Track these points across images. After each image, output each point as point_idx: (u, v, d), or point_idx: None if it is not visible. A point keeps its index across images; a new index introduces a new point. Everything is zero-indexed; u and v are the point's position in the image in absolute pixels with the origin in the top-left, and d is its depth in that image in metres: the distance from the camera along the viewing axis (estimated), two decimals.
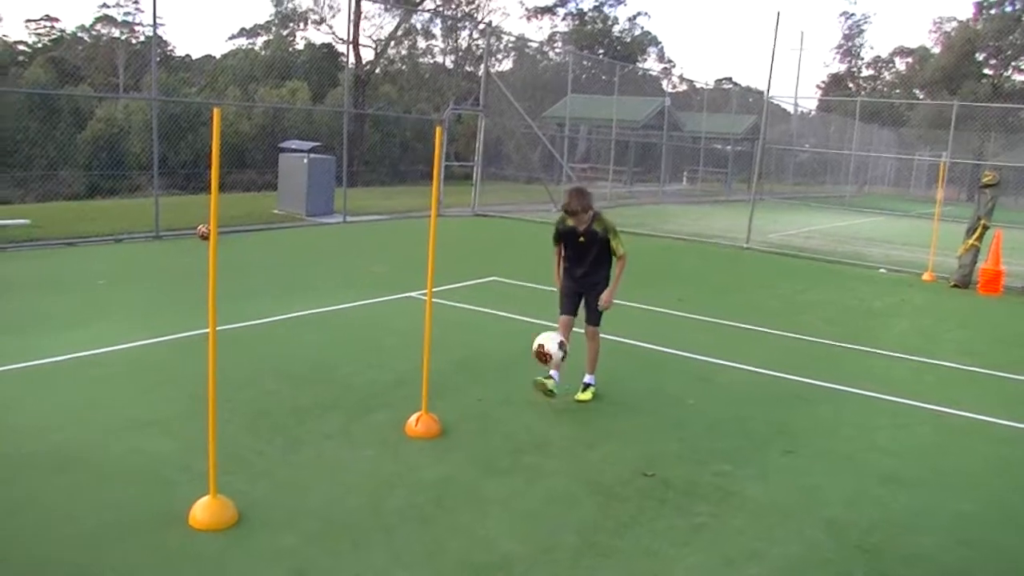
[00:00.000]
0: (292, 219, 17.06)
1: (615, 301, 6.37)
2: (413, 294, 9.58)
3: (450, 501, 4.58)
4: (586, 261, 6.31)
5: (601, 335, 6.43)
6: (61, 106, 27.68)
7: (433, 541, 4.12)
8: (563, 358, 6.16)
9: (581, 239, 6.24)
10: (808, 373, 7.36)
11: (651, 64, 59.67)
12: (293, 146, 18.25)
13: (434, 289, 5.60)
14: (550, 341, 6.18)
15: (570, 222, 6.24)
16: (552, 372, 6.19)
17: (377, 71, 39.94)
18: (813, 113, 48.46)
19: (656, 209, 24.30)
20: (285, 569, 3.78)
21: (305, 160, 17.25)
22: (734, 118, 38.39)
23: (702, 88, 42.44)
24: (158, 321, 7.88)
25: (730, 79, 63.38)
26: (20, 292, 9.33)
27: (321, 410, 5.78)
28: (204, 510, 4.14)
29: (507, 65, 37.51)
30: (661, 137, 32.57)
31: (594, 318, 6.41)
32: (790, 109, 45.60)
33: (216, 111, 3.98)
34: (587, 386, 6.40)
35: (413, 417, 5.50)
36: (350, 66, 27.36)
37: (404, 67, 41.44)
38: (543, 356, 6.15)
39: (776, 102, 41.37)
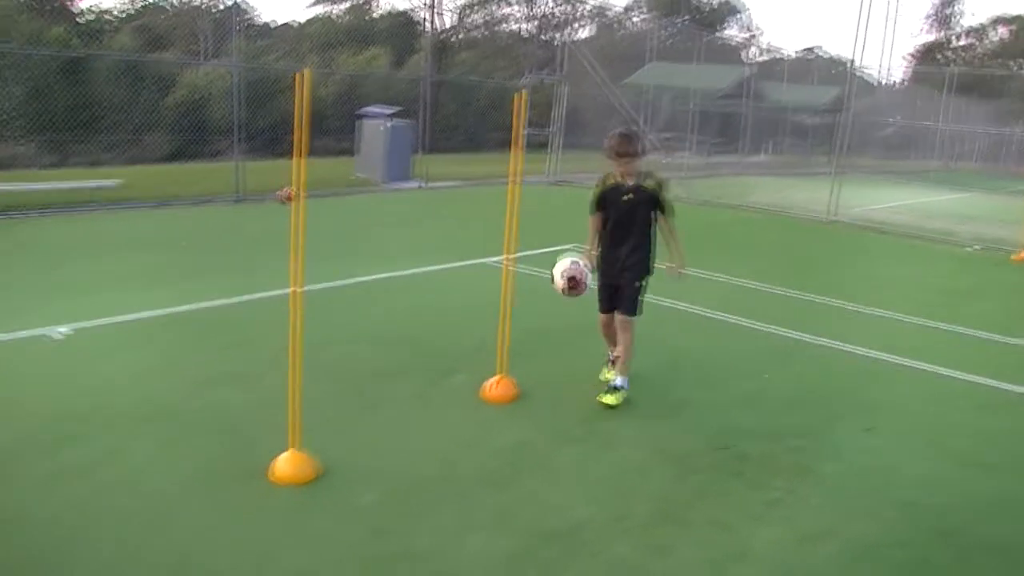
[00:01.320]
0: (370, 185, 17.26)
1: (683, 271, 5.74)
2: (490, 260, 9.63)
3: (523, 466, 4.62)
4: (629, 232, 5.49)
5: (677, 304, 6.29)
6: (147, 73, 28.35)
7: (505, 505, 4.17)
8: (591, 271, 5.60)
9: (626, 197, 5.42)
10: (890, 350, 7.18)
11: (734, 32, 58.34)
12: (373, 112, 18.42)
13: (512, 256, 5.61)
14: (567, 270, 5.54)
15: (611, 180, 5.49)
16: (619, 383, 5.55)
17: (456, 38, 39.94)
18: (901, 85, 46.90)
19: (736, 181, 23.88)
20: (364, 527, 3.87)
21: (384, 126, 17.40)
22: (818, 89, 37.37)
23: (785, 57, 41.42)
24: (239, 281, 8.09)
25: (815, 49, 61.63)
26: (113, 251, 9.68)
27: (400, 372, 5.87)
28: (285, 465, 4.26)
29: (586, 33, 37.15)
30: (742, 107, 31.91)
31: (630, 307, 5.58)
32: (876, 80, 44.20)
33: (306, 72, 4.04)
34: (615, 389, 5.53)
35: (490, 381, 5.55)
36: (429, 33, 27.43)
37: (482, 34, 41.35)
38: (575, 285, 5.52)
39: (862, 73, 40.14)
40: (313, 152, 4.39)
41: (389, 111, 18.27)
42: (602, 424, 5.24)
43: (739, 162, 30.02)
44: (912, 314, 8.64)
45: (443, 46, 37.44)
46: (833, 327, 7.89)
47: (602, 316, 5.79)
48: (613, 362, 5.80)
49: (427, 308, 7.79)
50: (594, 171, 22.43)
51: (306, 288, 4.49)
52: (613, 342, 5.76)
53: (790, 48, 64.85)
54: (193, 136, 24.59)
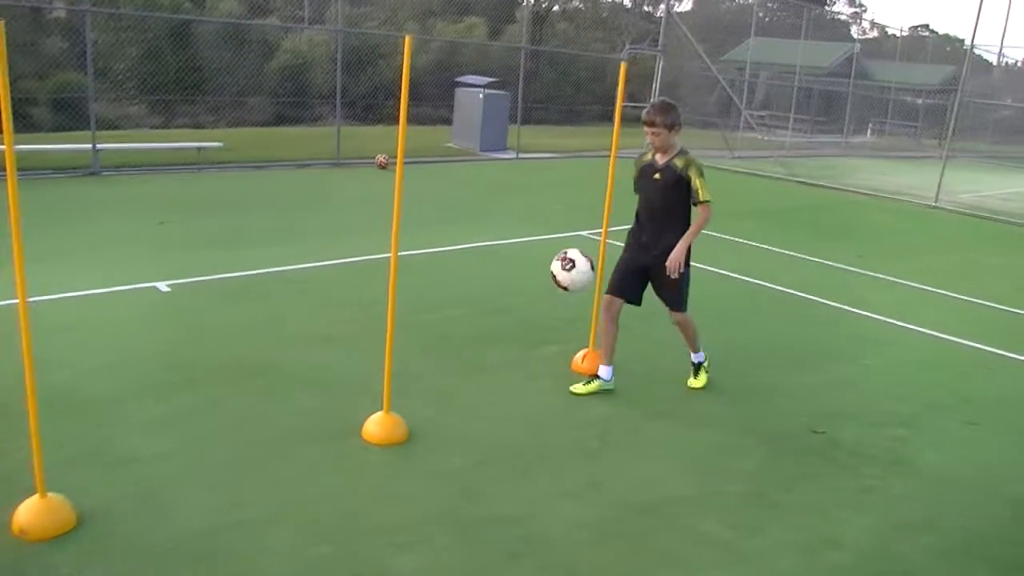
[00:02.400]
0: (466, 153, 17.35)
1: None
2: (584, 233, 9.60)
3: (612, 439, 4.63)
4: (659, 214, 5.04)
5: (771, 285, 6.12)
6: (251, 37, 28.99)
7: (596, 476, 4.18)
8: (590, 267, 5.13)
9: (657, 176, 4.99)
10: (996, 343, 6.91)
11: (840, 7, 56.40)
12: (470, 81, 18.47)
13: (609, 229, 5.58)
14: (565, 267, 5.10)
15: (647, 157, 5.08)
16: (602, 370, 5.20)
17: (555, 8, 39.64)
18: (1020, 65, 44.63)
19: (838, 161, 23.19)
20: (453, 488, 3.93)
21: (481, 95, 17.44)
22: (929, 68, 35.85)
23: (895, 35, 39.86)
24: (337, 243, 8.26)
25: (927, 26, 59.17)
26: (218, 210, 9.99)
27: (494, 339, 5.93)
28: (377, 425, 4.35)
29: (687, 5, 36.45)
30: (847, 86, 30.90)
31: (675, 300, 5.15)
32: (993, 60, 42.17)
33: (408, 39, 4.06)
34: (698, 366, 5.42)
35: (580, 353, 5.56)
36: (528, 2, 27.31)
37: (581, 5, 40.93)
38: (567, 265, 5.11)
39: (978, 51, 38.36)
40: (410, 120, 4.43)
41: (484, 81, 18.29)
42: (694, 402, 5.20)
43: (841, 142, 29.12)
44: (1021, 307, 8.29)
45: (541, 16, 37.21)
46: (938, 317, 7.63)
47: (606, 297, 5.22)
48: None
49: (521, 278, 7.82)
50: (691, 147, 22.09)
51: (408, 252, 4.56)
52: (610, 331, 5.22)
53: (896, 25, 62.27)
54: (294, 101, 25.08)
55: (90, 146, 12.80)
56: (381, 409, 4.40)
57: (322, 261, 7.71)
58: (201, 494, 3.73)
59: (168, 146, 14.68)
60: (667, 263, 4.92)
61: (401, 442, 4.33)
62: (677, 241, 4.95)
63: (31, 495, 3.39)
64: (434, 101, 26.34)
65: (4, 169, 3.42)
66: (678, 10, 29.88)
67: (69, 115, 18.37)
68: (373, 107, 24.46)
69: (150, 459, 4.00)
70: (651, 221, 5.08)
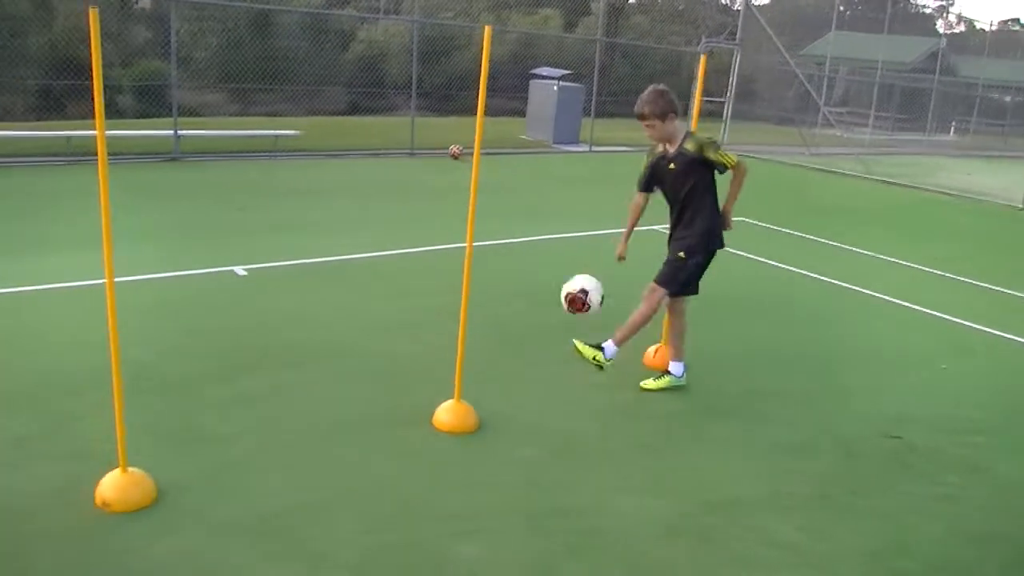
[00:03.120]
0: (539, 145, 17.36)
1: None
2: (656, 227, 9.50)
3: (679, 435, 4.59)
4: (681, 203, 4.88)
5: (851, 286, 5.98)
6: (328, 27, 29.42)
7: (661, 472, 4.16)
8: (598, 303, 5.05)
9: (672, 166, 4.81)
10: None
11: (926, 0, 54.76)
12: (544, 73, 18.46)
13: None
14: (592, 289, 5.09)
15: (658, 149, 4.92)
16: (606, 345, 4.92)
17: (631, 1, 39.33)
18: None
19: (920, 160, 22.56)
20: (519, 478, 3.95)
21: (555, 88, 17.42)
22: (1018, 64, 34.63)
23: (983, 29, 38.58)
24: (412, 233, 8.35)
25: (1017, 20, 57.07)
26: (294, 197, 10.18)
27: (563, 332, 5.91)
28: (447, 414, 4.39)
29: None
30: (931, 82, 30.02)
31: (662, 272, 4.96)
32: None
33: (487, 29, 4.08)
34: (664, 375, 5.12)
35: (651, 349, 5.53)
36: None
37: None
38: (576, 303, 5.10)
39: None
40: (485, 111, 4.46)
41: (558, 73, 18.25)
42: (762, 402, 5.13)
43: (923, 141, 28.32)
44: None
45: (617, 8, 36.96)
46: (1015, 321, 7.38)
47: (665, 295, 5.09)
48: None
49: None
50: (766, 143, 21.75)
51: (479, 243, 4.60)
52: (674, 327, 5.19)
53: (985, 19, 60.23)
54: (369, 90, 25.38)
55: (172, 132, 13.15)
56: (450, 397, 4.44)
57: (394, 249, 7.81)
58: (271, 474, 3.82)
59: (246, 133, 14.99)
60: (725, 226, 4.96)
61: (471, 431, 4.36)
62: (697, 229, 4.87)
63: (113, 469, 3.51)
64: (508, 93, 26.39)
65: (94, 153, 3.54)
66: (757, 3, 29.37)
67: (151, 102, 18.89)
68: (447, 98, 24.61)
69: (224, 438, 4.12)
70: (681, 211, 4.95)
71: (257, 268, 6.95)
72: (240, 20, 23.42)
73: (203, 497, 3.59)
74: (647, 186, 5.14)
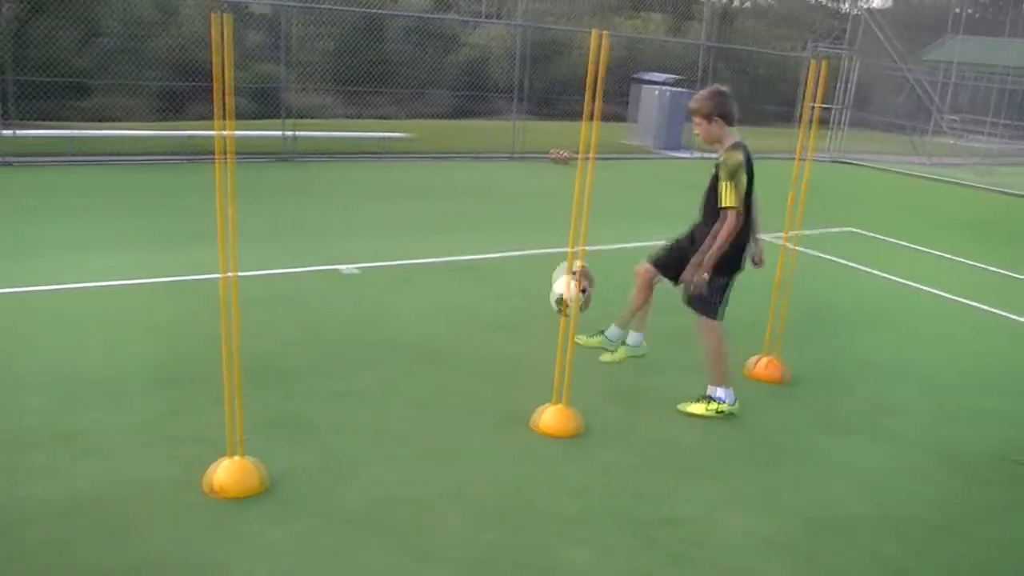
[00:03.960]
0: (642, 151, 17.24)
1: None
2: (765, 236, 9.32)
3: (789, 450, 4.47)
4: (703, 209, 4.72)
5: (975, 304, 5.68)
6: (434, 31, 29.88)
7: (769, 487, 4.05)
8: (584, 301, 4.64)
9: (713, 171, 4.62)
10: None
11: None
12: (648, 78, 18.33)
13: (792, 233, 5.40)
14: (564, 285, 4.61)
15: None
16: (717, 394, 4.75)
17: (736, 4, 38.72)
18: None
19: None
20: (624, 485, 3.91)
21: (659, 93, 17.27)
22: None
23: None
24: (515, 235, 8.39)
25: None
26: (401, 198, 10.36)
27: (668, 339, 5.85)
28: (550, 417, 4.38)
29: (880, 1, 34.73)
30: None
31: (695, 301, 4.71)
32: None
33: (597, 33, 4.05)
34: (708, 400, 4.78)
35: (756, 359, 5.41)
36: None
37: (765, 1, 39.80)
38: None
39: None
40: (588, 115, 4.43)
41: (663, 78, 18.09)
42: (878, 419, 4.95)
43: None
44: None
45: (723, 12, 36.42)
46: None
47: (642, 262, 5.06)
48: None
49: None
50: (878, 151, 21.08)
51: (577, 248, 4.57)
52: (636, 302, 5.04)
53: None
54: (473, 94, 25.65)
55: (284, 133, 13.55)
56: (554, 400, 4.43)
57: (498, 252, 7.86)
58: (380, 468, 3.88)
59: (355, 135, 15.33)
60: (683, 277, 4.61)
61: (575, 435, 4.35)
62: (736, 242, 4.55)
63: (227, 456, 3.62)
64: (611, 97, 26.29)
65: (211, 152, 3.67)
66: (871, 6, 28.50)
67: (265, 104, 19.46)
68: (549, 102, 24.66)
69: (334, 431, 4.21)
70: (699, 216, 4.77)
71: (366, 267, 7.09)
72: (350, 24, 23.95)
73: (313, 487, 3.67)
74: None
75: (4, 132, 12.53)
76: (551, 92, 24.69)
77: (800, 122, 5.31)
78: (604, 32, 4.15)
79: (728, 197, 4.40)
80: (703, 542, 3.51)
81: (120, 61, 21.77)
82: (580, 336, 5.11)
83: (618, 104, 22.77)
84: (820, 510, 3.87)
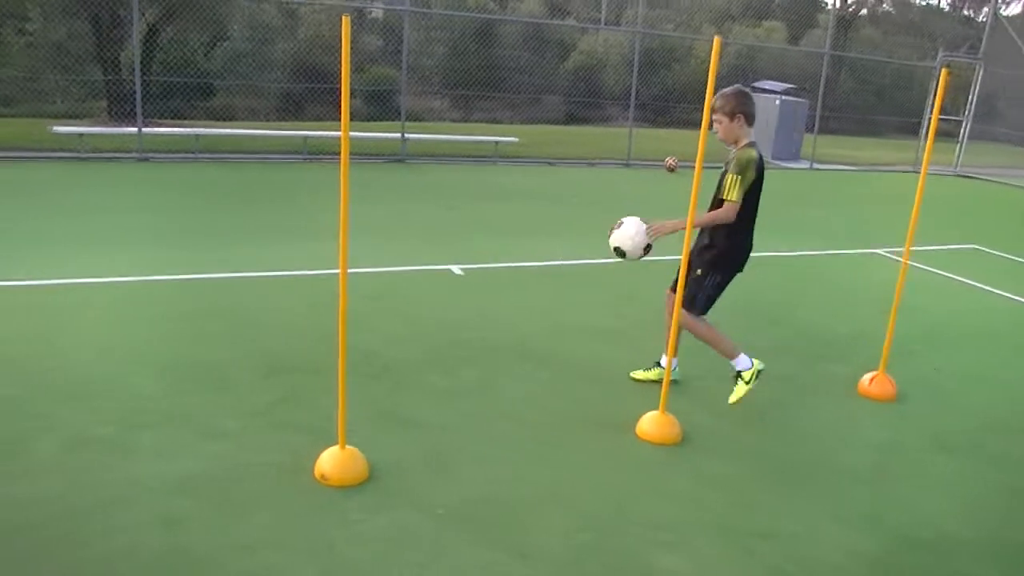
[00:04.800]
0: None
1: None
2: (879, 250, 9.06)
3: (895, 469, 4.33)
4: (714, 206, 4.62)
5: None
6: (549, 37, 30.04)
7: (872, 504, 3.94)
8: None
9: (724, 169, 4.60)
10: None
11: None
12: (766, 87, 18.00)
13: (911, 248, 5.22)
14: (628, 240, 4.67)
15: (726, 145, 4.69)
16: (738, 362, 4.74)
17: (862, 12, 37.60)
18: None
19: None
20: (723, 495, 3.86)
21: (777, 102, 16.94)
22: None
23: None
24: None
25: None
26: (511, 201, 10.47)
27: (773, 350, 5.75)
28: (652, 424, 4.36)
29: (1018, 8, 33.18)
30: None
31: (684, 296, 4.59)
32: None
33: (717, 40, 4.01)
34: (737, 375, 4.73)
35: (868, 376, 5.25)
36: (834, 6, 26.10)
37: (891, 8, 38.51)
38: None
39: None
40: (695, 124, 4.41)
41: (781, 87, 17.72)
42: (988, 439, 4.74)
43: None
44: None
45: (846, 21, 35.42)
46: None
47: (667, 292, 4.99)
48: (658, 363, 5.08)
49: (808, 290, 7.54)
50: (1007, 166, 20.16)
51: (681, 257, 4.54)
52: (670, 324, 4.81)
53: None
54: (585, 100, 25.68)
55: (399, 135, 13.84)
56: (654, 407, 4.41)
57: (606, 257, 7.83)
58: (480, 465, 3.94)
59: (468, 139, 15.55)
60: (649, 226, 4.64)
61: (674, 443, 4.32)
62: (720, 242, 4.62)
63: (333, 445, 3.74)
64: None
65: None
66: (1007, 13, 27.18)
67: (380, 106, 19.93)
68: (664, 110, 24.48)
69: (437, 427, 4.29)
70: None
71: (473, 267, 7.20)
72: (466, 29, 24.27)
73: (415, 480, 3.76)
74: None
75: (137, 129, 13.21)
76: (666, 100, 24.50)
77: (929, 134, 5.10)
78: (717, 38, 4.11)
79: (731, 190, 4.44)
80: (802, 558, 3.44)
81: (243, 64, 22.65)
82: (637, 371, 5.11)
83: None
84: (923, 530, 3.74)
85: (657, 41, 25.52)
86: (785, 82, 19.62)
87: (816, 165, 16.81)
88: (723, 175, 4.56)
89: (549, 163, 14.73)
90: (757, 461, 4.24)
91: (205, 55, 22.62)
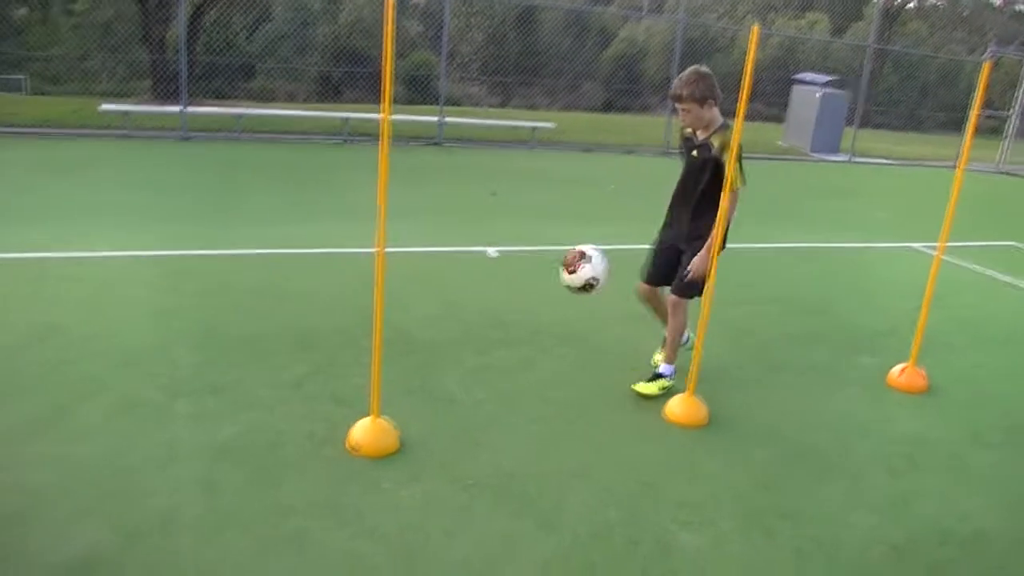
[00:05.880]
0: (796, 153, 16.81)
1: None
2: (915, 245, 9.00)
3: (924, 461, 4.33)
4: (692, 194, 4.45)
5: None
6: (590, 24, 29.96)
7: (900, 494, 3.95)
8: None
9: (694, 153, 4.39)
10: None
11: None
12: (808, 79, 17.85)
13: (946, 244, 5.21)
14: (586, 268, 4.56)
15: (687, 131, 4.46)
16: (662, 370, 4.73)
17: (909, 5, 37.05)
18: None
19: None
20: (748, 477, 3.90)
21: (818, 95, 16.79)
22: None
23: None
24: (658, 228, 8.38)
25: None
26: (547, 186, 10.53)
27: (808, 340, 5.77)
28: (679, 405, 4.41)
29: None
30: None
31: (680, 284, 4.58)
32: None
33: (755, 29, 4.02)
34: (656, 376, 4.71)
35: (898, 367, 5.25)
36: None
37: (940, 3, 37.91)
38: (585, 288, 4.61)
39: None
40: (747, 115, 4.37)
41: (823, 80, 17.55)
42: (1022, 435, 4.73)
43: None
44: None
45: (892, 14, 34.91)
46: None
47: (641, 286, 4.84)
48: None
49: (842, 283, 7.52)
50: None
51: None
52: (664, 318, 4.81)
53: None
54: (625, 88, 25.62)
55: (436, 119, 13.93)
56: (683, 390, 4.46)
57: (638, 243, 7.86)
58: (509, 441, 4.02)
59: (505, 123, 15.60)
60: (690, 270, 4.43)
61: (701, 425, 4.36)
62: (700, 229, 4.40)
63: (365, 417, 3.83)
64: (768, 98, 25.67)
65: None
66: None
67: (418, 91, 20.04)
68: None
69: (467, 403, 4.38)
70: (680, 202, 4.56)
71: (508, 250, 7.27)
72: (506, 15, 24.27)
73: (445, 453, 3.84)
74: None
75: (181, 108, 13.42)
76: None
77: (969, 128, 5.06)
78: (755, 28, 4.12)
79: (739, 177, 4.22)
80: (827, 541, 3.47)
81: (284, 46, 22.83)
82: (640, 384, 4.74)
83: (776, 106, 22.23)
84: (952, 522, 3.75)
85: (700, 30, 25.37)
86: (826, 74, 19.42)
87: (855, 159, 16.65)
88: (703, 162, 4.35)
89: (586, 150, 14.74)
90: (783, 446, 4.27)
91: (247, 37, 22.86)
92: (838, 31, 35.68)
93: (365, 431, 3.80)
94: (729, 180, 4.12)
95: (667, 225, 4.73)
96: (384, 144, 3.54)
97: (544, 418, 4.30)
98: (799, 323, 6.21)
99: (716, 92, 4.30)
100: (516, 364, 4.96)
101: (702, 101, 4.26)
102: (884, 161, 17.53)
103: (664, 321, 4.85)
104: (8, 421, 3.84)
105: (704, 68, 4.38)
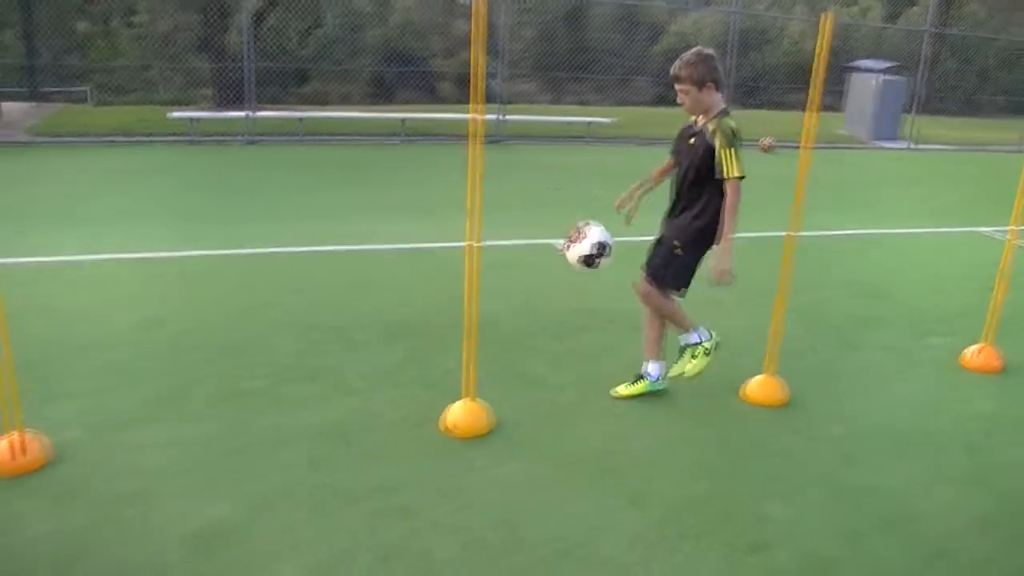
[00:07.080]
0: (854, 141, 16.72)
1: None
2: (982, 229, 8.97)
3: (1003, 437, 4.39)
4: (686, 183, 4.25)
5: None
6: (640, 19, 29.97)
7: (979, 469, 4.02)
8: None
9: (692, 141, 4.18)
10: None
11: None
12: (865, 66, 17.72)
13: (1017, 227, 5.24)
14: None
15: (690, 119, 4.26)
16: (648, 372, 4.53)
17: None
18: None
19: None
20: (831, 454, 4.01)
21: (875, 82, 16.67)
22: None
23: None
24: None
25: None
26: (606, 180, 10.66)
27: (879, 324, 5.84)
28: (758, 387, 4.55)
29: None
30: None
31: (653, 267, 4.46)
32: None
33: (828, 16, 4.12)
34: (638, 378, 4.52)
35: (973, 348, 5.30)
36: None
37: None
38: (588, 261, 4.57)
39: None
40: (796, 105, 4.46)
41: (881, 66, 17.41)
42: None
43: None
44: None
45: None
46: None
47: (639, 281, 4.60)
48: (682, 351, 4.53)
49: (910, 267, 7.56)
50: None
51: (782, 233, 4.69)
52: (652, 324, 4.61)
53: None
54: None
55: (495, 117, 14.14)
56: (763, 372, 4.58)
57: None
58: (598, 421, 4.19)
59: (561, 120, 15.76)
60: (712, 273, 4.12)
61: (781, 405, 4.48)
62: (699, 214, 4.20)
63: (457, 400, 4.02)
64: (824, 86, 25.46)
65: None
66: None
67: (468, 89, 20.27)
68: (755, 91, 24.23)
69: (554, 386, 4.56)
70: (678, 192, 4.36)
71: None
72: (556, 12, 24.35)
73: (536, 433, 4.02)
74: (673, 152, 4.46)
75: (246, 114, 13.81)
76: (757, 81, 24.24)
77: None
78: (828, 14, 4.22)
79: (734, 166, 4.04)
80: (909, 513, 3.57)
81: (336, 50, 23.21)
82: (619, 387, 4.55)
83: (830, 93, 22.05)
84: None
85: (750, 21, 25.23)
86: (884, 60, 19.23)
87: (915, 145, 16.49)
88: (698, 149, 4.16)
89: (642, 144, 14.84)
90: (861, 424, 4.36)
91: (299, 42, 23.29)
92: (891, 17, 35.15)
93: (461, 412, 3.99)
94: (726, 164, 4.03)
95: (667, 215, 4.57)
96: (476, 144, 3.73)
97: (629, 400, 4.46)
98: (868, 306, 6.28)
99: (717, 76, 4.09)
100: (598, 350, 5.14)
101: (701, 84, 4.04)
102: (945, 147, 17.32)
103: (653, 328, 4.64)
104: (119, 408, 4.11)
105: (708, 50, 4.15)
